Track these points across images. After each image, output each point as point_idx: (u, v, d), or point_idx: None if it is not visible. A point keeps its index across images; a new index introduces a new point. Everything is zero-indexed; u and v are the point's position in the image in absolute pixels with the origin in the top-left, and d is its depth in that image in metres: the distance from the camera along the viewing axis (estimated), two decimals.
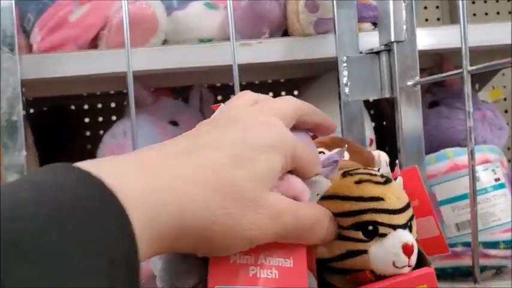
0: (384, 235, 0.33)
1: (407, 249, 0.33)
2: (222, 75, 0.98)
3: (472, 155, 0.51)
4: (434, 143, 0.83)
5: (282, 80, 1.08)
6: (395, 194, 0.35)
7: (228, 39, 0.79)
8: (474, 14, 1.30)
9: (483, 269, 0.76)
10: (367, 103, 0.95)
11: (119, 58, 0.72)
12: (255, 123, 0.31)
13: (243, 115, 0.32)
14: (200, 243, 0.28)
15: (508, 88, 1.30)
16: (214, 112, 0.47)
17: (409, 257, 0.33)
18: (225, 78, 1.00)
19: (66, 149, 1.04)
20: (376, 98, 0.68)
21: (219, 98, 1.09)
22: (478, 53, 0.84)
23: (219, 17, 0.78)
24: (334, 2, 0.68)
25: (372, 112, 1.11)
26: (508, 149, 1.25)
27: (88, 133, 1.14)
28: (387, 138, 1.01)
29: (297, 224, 0.31)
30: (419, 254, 0.38)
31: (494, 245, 0.74)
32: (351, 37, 0.68)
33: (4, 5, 0.65)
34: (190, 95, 0.92)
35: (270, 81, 1.10)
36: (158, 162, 0.28)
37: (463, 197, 0.75)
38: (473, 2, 1.30)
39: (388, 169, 0.44)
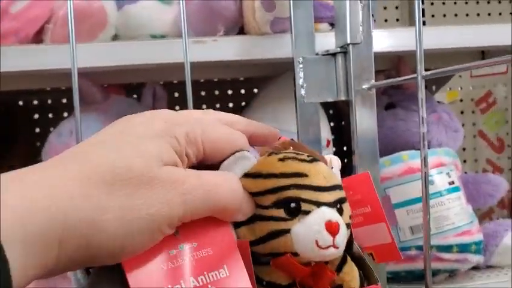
0: (307, 212, 0.31)
1: (331, 227, 0.30)
2: (177, 73, 0.94)
3: (425, 161, 0.50)
4: (390, 146, 0.83)
5: (241, 79, 1.06)
6: (321, 173, 0.33)
7: (182, 35, 0.76)
8: (433, 16, 1.31)
9: (436, 272, 0.76)
10: (325, 103, 0.94)
11: (64, 53, 0.68)
12: (142, 119, 0.30)
13: (136, 116, 0.31)
14: (94, 242, 0.25)
15: (465, 89, 1.32)
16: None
17: (333, 236, 0.31)
18: (181, 76, 0.97)
19: (14, 146, 0.99)
20: (331, 100, 0.66)
21: (176, 95, 1.06)
22: (436, 56, 0.85)
23: (172, 12, 0.75)
24: (291, 1, 0.66)
25: (330, 112, 1.11)
26: (464, 149, 1.26)
27: (37, 130, 1.10)
28: (345, 138, 1.00)
29: (203, 187, 0.28)
30: (367, 268, 0.36)
31: (447, 248, 0.75)
32: (307, 38, 0.66)
33: None
34: (143, 93, 0.88)
35: (229, 79, 1.08)
36: (38, 168, 0.26)
37: (417, 200, 0.75)
38: (432, 4, 1.31)
39: (339, 174, 0.43)
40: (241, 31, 0.76)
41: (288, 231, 0.30)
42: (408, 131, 0.85)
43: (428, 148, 0.88)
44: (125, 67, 0.73)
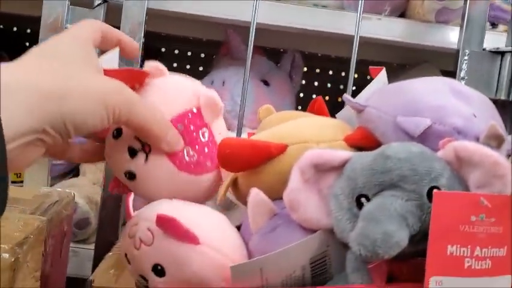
0: None
1: None
2: (318, 43, 0.97)
3: None
4: None
5: (369, 61, 1.08)
6: None
7: (342, 8, 0.78)
8: None
9: None
10: None
11: (235, 4, 0.72)
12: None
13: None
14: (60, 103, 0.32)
15: None
16: (375, 76, 0.47)
17: None
18: (319, 47, 0.99)
19: None
20: (489, 97, 0.67)
21: (305, 69, 1.08)
22: None
23: None
24: None
25: None
26: None
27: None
28: None
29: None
30: None
31: None
32: (479, 32, 0.67)
33: None
34: (282, 58, 0.91)
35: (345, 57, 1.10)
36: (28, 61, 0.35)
37: None
38: None
39: None
40: (401, 15, 0.77)
41: None
42: None
43: None
44: (289, 29, 0.75)
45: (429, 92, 0.36)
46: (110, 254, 0.53)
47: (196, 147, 0.39)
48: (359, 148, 0.38)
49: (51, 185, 0.72)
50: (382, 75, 0.45)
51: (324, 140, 0.37)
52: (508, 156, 0.39)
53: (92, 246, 0.67)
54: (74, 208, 0.66)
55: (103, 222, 0.66)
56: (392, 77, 0.95)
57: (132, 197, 0.37)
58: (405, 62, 0.95)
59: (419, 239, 0.31)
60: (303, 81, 1.14)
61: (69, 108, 0.33)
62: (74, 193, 0.62)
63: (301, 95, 1.15)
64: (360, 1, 0.67)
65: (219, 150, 0.36)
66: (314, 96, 1.18)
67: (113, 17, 0.66)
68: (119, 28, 0.64)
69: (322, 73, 1.16)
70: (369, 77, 1.31)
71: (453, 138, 0.33)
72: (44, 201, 0.54)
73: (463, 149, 0.31)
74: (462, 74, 0.67)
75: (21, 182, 0.69)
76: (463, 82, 0.67)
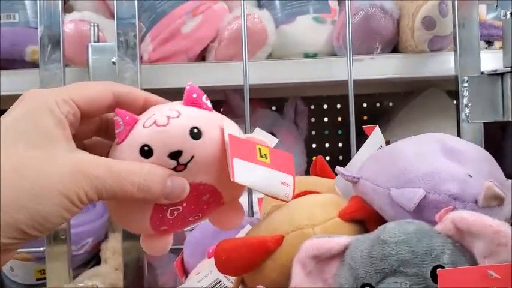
0: None
1: None
2: (317, 88, 0.97)
3: None
4: None
5: (376, 94, 1.07)
6: None
7: (333, 54, 0.78)
8: None
9: None
10: None
11: (226, 71, 0.73)
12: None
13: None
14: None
15: None
16: (369, 134, 0.46)
17: None
18: (319, 91, 0.99)
19: None
20: (497, 120, 0.65)
21: (312, 107, 1.08)
22: None
23: (326, 31, 0.77)
24: (456, 20, 0.66)
25: None
26: None
27: None
28: None
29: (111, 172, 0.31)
30: None
31: None
32: (473, 57, 0.66)
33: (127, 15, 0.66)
34: (285, 107, 0.91)
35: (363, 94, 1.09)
36: None
37: None
38: None
39: None
40: (394, 49, 0.76)
41: None
42: None
43: None
44: (281, 85, 0.76)
45: (419, 156, 0.35)
46: None
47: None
48: (357, 220, 0.37)
49: (75, 276, 0.72)
50: (376, 133, 0.44)
51: (319, 221, 0.36)
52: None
53: None
54: None
55: None
56: (401, 105, 0.95)
57: None
58: (411, 90, 0.94)
59: None
60: (313, 119, 1.14)
61: (25, 217, 0.29)
62: (97, 284, 0.62)
63: (313, 132, 1.15)
64: (348, 45, 0.66)
65: (216, 257, 0.35)
66: (326, 132, 1.18)
67: None
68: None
69: (329, 109, 1.15)
70: (378, 104, 1.29)
71: (450, 206, 0.32)
72: None
73: (461, 221, 0.30)
74: (465, 101, 0.66)
75: (45, 278, 0.69)
76: (467, 109, 0.66)
